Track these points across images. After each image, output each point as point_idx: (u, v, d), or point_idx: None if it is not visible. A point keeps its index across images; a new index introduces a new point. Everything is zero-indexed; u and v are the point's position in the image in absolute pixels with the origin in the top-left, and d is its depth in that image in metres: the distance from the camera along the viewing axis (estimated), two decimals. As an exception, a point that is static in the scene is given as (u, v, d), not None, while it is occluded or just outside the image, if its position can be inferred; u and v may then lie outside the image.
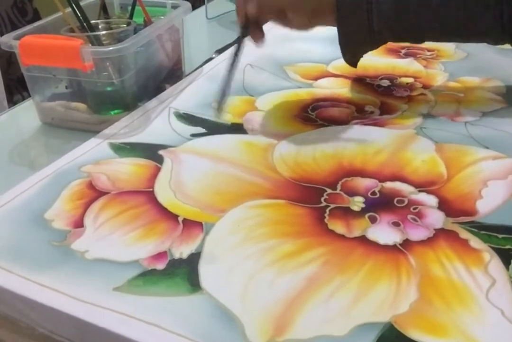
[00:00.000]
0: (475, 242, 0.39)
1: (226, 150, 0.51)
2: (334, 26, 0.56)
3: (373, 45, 0.58)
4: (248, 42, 0.59)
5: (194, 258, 0.39)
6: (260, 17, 0.58)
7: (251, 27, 0.58)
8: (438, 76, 0.66)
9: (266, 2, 0.56)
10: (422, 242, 0.39)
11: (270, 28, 0.85)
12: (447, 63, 0.69)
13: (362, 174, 0.47)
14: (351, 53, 0.59)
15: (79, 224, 0.42)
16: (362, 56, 0.60)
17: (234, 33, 0.84)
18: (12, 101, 1.12)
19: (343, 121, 0.56)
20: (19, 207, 0.45)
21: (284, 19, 0.57)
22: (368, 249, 0.39)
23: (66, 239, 0.41)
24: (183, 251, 0.39)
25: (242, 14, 0.57)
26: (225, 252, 0.39)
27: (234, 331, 0.33)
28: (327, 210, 0.43)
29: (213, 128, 0.56)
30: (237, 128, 0.56)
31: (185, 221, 0.42)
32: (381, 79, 0.66)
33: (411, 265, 0.37)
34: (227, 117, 0.58)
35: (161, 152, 0.51)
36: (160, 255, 0.39)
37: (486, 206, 0.43)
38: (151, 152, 0.52)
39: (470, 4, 0.52)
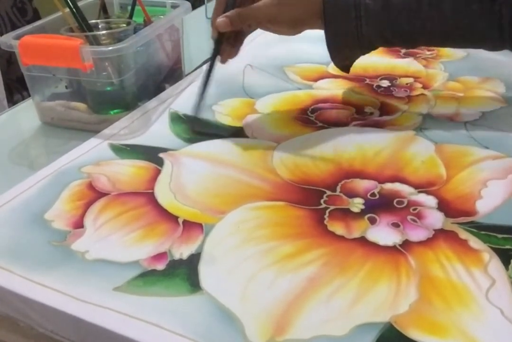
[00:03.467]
0: (474, 242, 0.39)
1: (226, 153, 0.51)
2: (321, 29, 0.55)
3: (363, 50, 0.56)
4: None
5: (194, 259, 0.39)
6: (236, 31, 0.56)
7: (224, 43, 0.56)
8: (438, 76, 0.66)
9: (240, 17, 0.54)
10: (421, 243, 0.39)
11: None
12: (447, 63, 0.69)
13: (362, 175, 0.47)
14: (340, 57, 0.57)
15: (79, 224, 0.42)
16: (353, 61, 0.58)
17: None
18: (12, 101, 1.12)
19: (343, 123, 0.56)
20: (19, 207, 0.45)
21: (266, 28, 0.56)
22: (367, 250, 0.39)
23: (66, 239, 0.41)
24: (183, 251, 0.39)
25: (215, 28, 0.55)
26: (225, 253, 0.39)
27: (234, 331, 0.33)
28: (327, 212, 0.43)
29: (213, 131, 0.56)
30: (236, 131, 0.56)
31: (185, 222, 0.42)
32: (381, 79, 0.66)
33: (411, 266, 0.37)
34: (227, 120, 0.58)
35: (161, 155, 0.51)
36: (160, 256, 0.39)
37: (486, 206, 0.43)
38: (151, 154, 0.52)
39: (464, 8, 0.50)
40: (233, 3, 0.55)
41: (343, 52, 0.56)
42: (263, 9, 0.54)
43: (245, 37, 0.58)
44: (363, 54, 0.57)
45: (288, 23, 0.55)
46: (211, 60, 0.56)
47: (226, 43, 0.56)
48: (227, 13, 0.54)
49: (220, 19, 0.54)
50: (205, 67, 0.56)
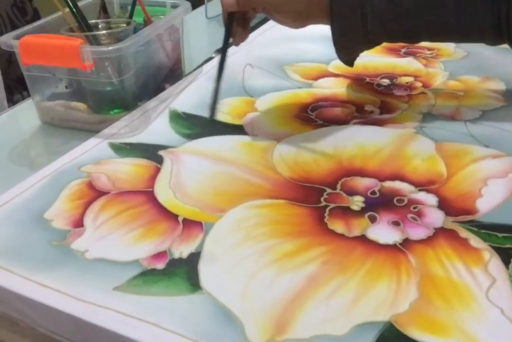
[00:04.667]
0: (475, 241, 0.39)
1: (226, 151, 0.51)
2: (326, 24, 0.55)
3: (368, 45, 0.57)
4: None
5: (194, 258, 0.39)
6: (244, 12, 0.56)
7: (234, 25, 0.55)
8: (438, 75, 0.66)
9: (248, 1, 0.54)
10: (422, 241, 0.39)
11: (269, 28, 0.85)
12: (447, 62, 0.69)
13: (362, 173, 0.47)
14: (345, 52, 0.57)
15: (79, 223, 0.42)
16: (358, 55, 0.59)
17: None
18: (12, 101, 1.12)
19: (343, 121, 0.56)
20: (19, 206, 0.45)
21: (270, 16, 0.56)
22: (368, 249, 0.39)
23: (66, 238, 0.41)
24: (183, 250, 0.39)
25: (223, 7, 0.55)
26: (225, 252, 0.39)
27: (234, 330, 0.33)
28: (327, 210, 0.43)
29: (213, 128, 0.56)
30: (236, 129, 0.56)
31: (185, 220, 0.42)
32: (381, 78, 0.66)
33: (411, 264, 0.37)
34: (227, 118, 0.58)
35: (161, 152, 0.51)
36: (160, 255, 0.39)
37: (486, 204, 0.43)
38: (151, 152, 0.52)
39: (467, 4, 0.51)
40: None
41: (348, 48, 0.56)
42: None
43: (251, 20, 0.58)
44: (368, 49, 0.57)
45: (292, 14, 0.55)
46: (224, 44, 0.55)
47: (237, 25, 0.56)
48: None
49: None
50: (216, 60, 0.55)
